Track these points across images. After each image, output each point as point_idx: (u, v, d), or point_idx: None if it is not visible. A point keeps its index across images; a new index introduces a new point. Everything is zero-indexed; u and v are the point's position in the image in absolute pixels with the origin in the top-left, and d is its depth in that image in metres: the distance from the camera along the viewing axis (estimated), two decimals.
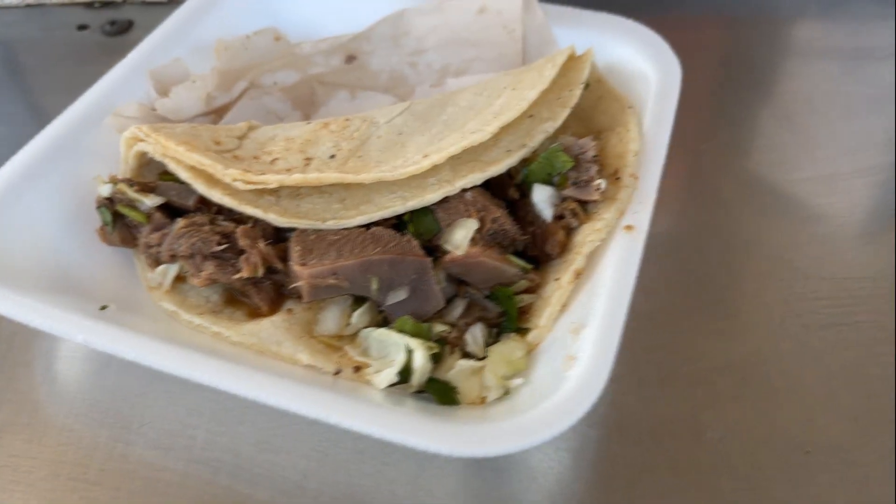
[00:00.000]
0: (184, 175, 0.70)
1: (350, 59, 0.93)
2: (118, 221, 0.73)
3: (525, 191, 0.73)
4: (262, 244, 0.68)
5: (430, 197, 0.68)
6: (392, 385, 0.63)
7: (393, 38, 0.93)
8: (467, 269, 0.67)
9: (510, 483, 0.64)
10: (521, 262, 0.69)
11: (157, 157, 0.71)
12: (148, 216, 0.72)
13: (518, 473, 0.64)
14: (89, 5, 1.21)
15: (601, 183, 0.70)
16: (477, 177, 0.69)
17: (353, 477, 0.64)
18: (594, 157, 0.71)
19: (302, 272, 0.65)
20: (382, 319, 0.69)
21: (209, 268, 0.68)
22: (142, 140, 0.72)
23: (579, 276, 0.67)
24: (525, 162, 0.73)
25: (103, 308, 0.67)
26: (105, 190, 0.72)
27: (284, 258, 0.68)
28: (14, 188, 0.73)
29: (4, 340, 0.75)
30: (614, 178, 0.72)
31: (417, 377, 0.63)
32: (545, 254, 0.71)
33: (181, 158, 0.70)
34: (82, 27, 1.17)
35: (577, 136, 0.76)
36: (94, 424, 0.69)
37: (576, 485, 0.64)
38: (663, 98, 0.79)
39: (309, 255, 0.66)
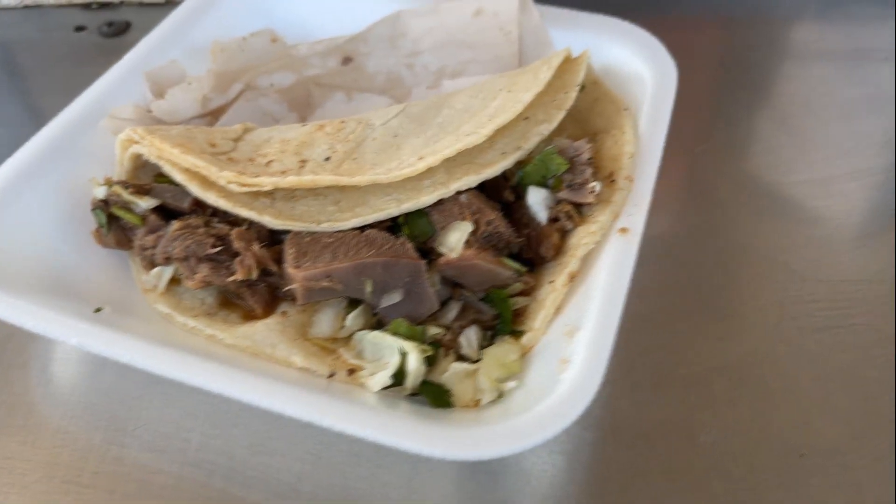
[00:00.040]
0: (178, 177, 0.70)
1: (346, 60, 0.93)
2: (113, 223, 0.73)
3: (520, 193, 0.73)
4: (256, 246, 0.68)
5: (425, 199, 0.68)
6: (386, 388, 0.63)
7: (389, 39, 0.93)
8: (461, 271, 0.67)
9: (504, 486, 0.64)
10: (516, 265, 0.69)
11: (152, 160, 0.71)
12: (143, 218, 0.72)
13: (512, 476, 0.64)
14: (87, 6, 1.21)
15: (596, 185, 0.70)
16: (472, 179, 0.69)
17: (347, 480, 0.64)
18: (589, 159, 0.71)
19: (296, 275, 0.65)
20: (377, 322, 0.69)
21: (203, 270, 0.68)
22: (137, 142, 0.72)
23: (574, 278, 0.67)
24: (520, 164, 0.73)
25: (98, 310, 0.67)
26: (100, 192, 0.72)
27: (279, 260, 0.68)
28: (10, 190, 0.73)
29: (0, 342, 0.75)
30: (609, 180, 0.72)
31: (411, 380, 0.63)
32: (540, 256, 0.71)
33: (176, 161, 0.70)
34: (80, 28, 1.17)
35: (573, 138, 0.76)
36: (88, 427, 0.69)
37: (570, 488, 0.64)
38: (659, 100, 0.79)
39: (303, 258, 0.66)
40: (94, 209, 0.73)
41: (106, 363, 0.72)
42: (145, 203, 0.72)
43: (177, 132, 0.74)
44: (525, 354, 0.65)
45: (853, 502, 0.63)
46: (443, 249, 0.67)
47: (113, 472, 0.65)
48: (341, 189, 0.70)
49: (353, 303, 0.69)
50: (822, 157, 0.92)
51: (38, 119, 0.80)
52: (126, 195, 0.72)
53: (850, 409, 0.68)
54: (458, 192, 0.69)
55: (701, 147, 0.95)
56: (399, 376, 0.63)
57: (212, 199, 0.68)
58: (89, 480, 0.64)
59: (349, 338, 0.68)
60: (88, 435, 0.68)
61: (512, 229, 0.70)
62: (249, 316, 0.70)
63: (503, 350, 0.65)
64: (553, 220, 0.71)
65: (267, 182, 0.68)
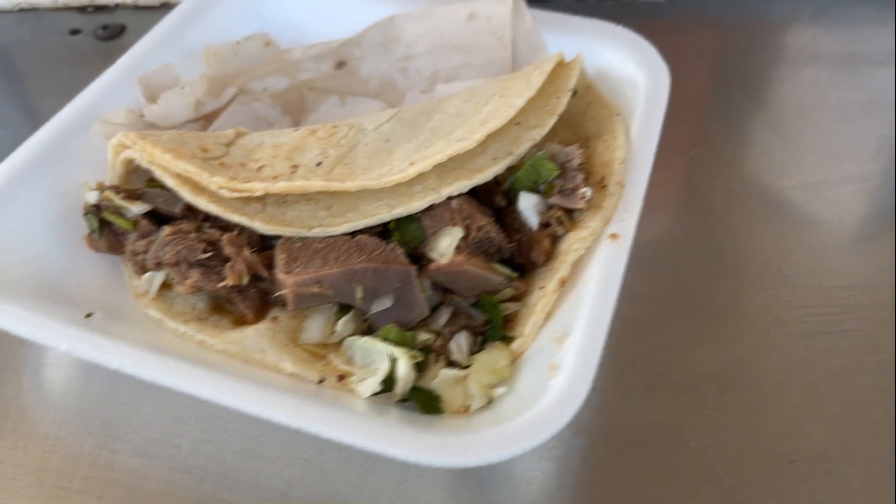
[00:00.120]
0: (170, 182, 0.70)
1: (340, 64, 0.93)
2: (105, 228, 0.73)
3: (512, 198, 0.73)
4: (247, 252, 0.68)
5: (416, 205, 0.68)
6: (376, 394, 0.63)
7: (383, 43, 0.93)
8: (452, 277, 0.67)
9: (494, 492, 0.64)
10: (507, 271, 0.69)
11: (144, 165, 0.71)
12: (134, 223, 0.72)
13: (502, 482, 0.64)
14: (82, 10, 1.21)
15: (586, 191, 0.70)
16: (463, 184, 0.69)
17: (337, 486, 0.64)
18: (580, 165, 0.71)
19: (286, 280, 0.65)
20: (367, 327, 0.69)
21: (194, 275, 0.68)
22: (128, 147, 0.72)
23: (564, 284, 0.67)
24: (512, 169, 0.73)
25: (88, 315, 0.67)
26: (92, 197, 0.72)
27: (270, 266, 0.68)
28: (2, 194, 0.73)
29: None
30: (600, 186, 0.72)
31: (401, 386, 0.63)
32: (531, 262, 0.71)
33: (167, 166, 0.70)
34: (75, 31, 1.17)
35: (566, 143, 0.76)
36: (79, 432, 0.69)
37: (559, 494, 0.64)
38: (651, 105, 0.79)
39: (294, 263, 0.66)
40: (85, 214, 0.73)
41: (97, 368, 0.71)
42: (137, 208, 0.72)
43: (168, 137, 0.74)
44: (515, 360, 0.65)
45: None
46: (433, 255, 0.67)
47: (103, 477, 0.65)
48: (333, 194, 0.70)
49: (344, 308, 0.69)
50: (815, 162, 0.92)
51: (35, 121, 0.80)
52: (118, 200, 0.72)
53: (841, 416, 0.67)
54: (450, 198, 0.69)
55: (694, 151, 0.95)
56: (389, 382, 0.63)
57: (203, 204, 0.68)
58: (80, 486, 0.65)
59: (339, 343, 0.68)
60: (79, 440, 0.68)
61: (503, 235, 0.70)
62: (240, 321, 0.70)
63: (493, 356, 0.65)
64: (544, 225, 0.71)
65: (258, 187, 0.68)
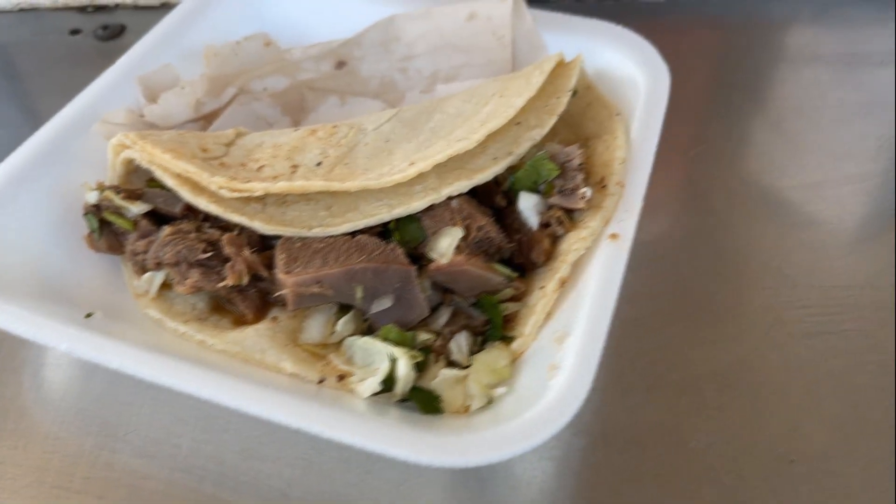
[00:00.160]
0: (170, 182, 0.70)
1: (340, 64, 0.93)
2: (105, 228, 0.73)
3: (512, 198, 0.73)
4: (247, 252, 0.68)
5: (416, 205, 0.68)
6: (376, 394, 0.63)
7: (383, 43, 0.93)
8: (452, 277, 0.67)
9: (494, 492, 0.64)
10: (507, 271, 0.69)
11: (144, 165, 0.71)
12: (134, 223, 0.72)
13: (502, 482, 0.64)
14: (82, 10, 1.21)
15: (586, 191, 0.70)
16: (463, 184, 0.69)
17: (336, 486, 0.64)
18: (580, 165, 0.71)
19: (286, 280, 0.65)
20: (367, 327, 0.69)
21: (194, 275, 0.68)
22: (128, 147, 0.72)
23: (564, 284, 0.67)
24: (512, 169, 0.73)
25: (88, 315, 0.67)
26: (92, 197, 0.72)
27: (270, 266, 0.68)
28: (2, 194, 0.73)
29: None
30: (600, 186, 0.72)
31: (401, 386, 0.63)
32: (531, 262, 0.71)
33: (167, 166, 0.70)
34: (75, 31, 1.17)
35: (567, 143, 0.76)
36: (79, 432, 0.69)
37: (559, 494, 0.64)
38: (651, 105, 0.79)
39: (294, 263, 0.66)
40: (85, 214, 0.73)
41: (97, 368, 0.71)
42: (137, 208, 0.72)
43: (168, 137, 0.74)
44: (515, 360, 0.65)
45: None
46: (433, 255, 0.67)
47: (103, 477, 0.65)
48: (333, 194, 0.70)
49: (344, 308, 0.69)
50: (815, 162, 0.92)
51: (35, 121, 0.80)
52: (117, 200, 0.72)
53: (841, 416, 0.67)
54: (450, 198, 0.69)
55: (694, 151, 0.95)
56: (389, 382, 0.63)
57: (203, 204, 0.68)
58: (80, 486, 0.64)
59: (339, 343, 0.68)
60: (79, 440, 0.68)
61: (503, 235, 0.70)
62: (240, 321, 0.70)
63: (493, 356, 0.65)
64: (544, 225, 0.71)
65: (258, 187, 0.68)
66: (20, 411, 0.70)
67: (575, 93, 0.80)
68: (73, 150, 0.78)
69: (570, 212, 0.71)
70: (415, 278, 0.66)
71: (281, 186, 0.68)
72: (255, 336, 0.66)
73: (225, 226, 0.70)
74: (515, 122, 0.74)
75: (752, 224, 0.86)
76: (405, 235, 0.69)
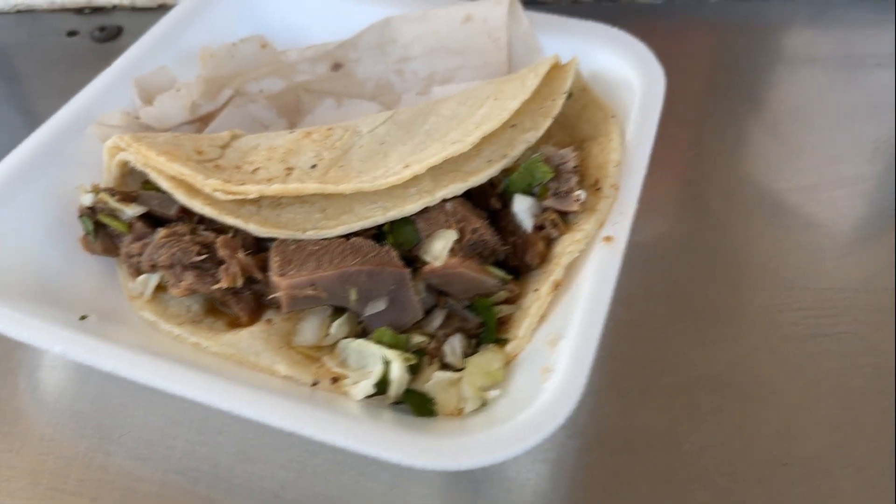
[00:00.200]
0: (165, 185, 0.70)
1: (336, 66, 0.93)
2: (100, 231, 0.73)
3: (507, 201, 0.73)
4: (241, 254, 0.68)
5: (410, 207, 0.68)
6: (370, 396, 0.63)
7: (379, 45, 0.93)
8: (446, 280, 0.67)
9: (487, 494, 0.64)
10: (501, 273, 0.69)
11: (139, 167, 0.71)
12: (129, 226, 0.72)
13: (495, 484, 0.64)
14: (79, 11, 1.21)
15: (581, 194, 0.70)
16: (458, 187, 0.69)
17: (330, 488, 0.64)
18: (574, 167, 0.71)
19: (280, 283, 0.65)
20: (362, 330, 0.69)
21: (189, 278, 0.68)
22: (123, 149, 0.72)
23: (558, 287, 0.67)
24: (507, 172, 0.73)
25: (83, 318, 0.67)
26: (87, 199, 0.72)
27: (265, 268, 0.68)
28: None
29: None
30: (595, 188, 0.72)
31: (394, 389, 0.63)
32: (525, 264, 0.71)
33: (162, 168, 0.70)
34: (72, 33, 1.18)
35: (562, 146, 0.76)
36: (74, 434, 0.69)
37: (553, 496, 0.64)
38: (646, 108, 0.79)
39: (288, 266, 0.66)
40: (80, 216, 0.73)
41: (92, 370, 0.71)
42: (132, 210, 0.72)
43: (163, 139, 0.74)
44: (509, 363, 0.65)
45: None
46: (427, 258, 0.67)
47: (97, 479, 0.65)
48: (327, 197, 0.70)
49: (338, 311, 0.69)
50: (810, 164, 0.92)
51: (32, 122, 0.80)
52: (112, 202, 0.72)
53: (835, 418, 0.67)
54: (444, 200, 0.69)
55: (690, 153, 0.95)
56: (382, 385, 0.63)
57: (198, 206, 0.68)
58: (74, 488, 0.65)
59: (334, 346, 0.68)
60: (74, 442, 0.68)
61: (497, 237, 0.70)
62: (235, 323, 0.71)
63: (487, 358, 0.65)
64: (539, 227, 0.71)
65: (252, 190, 0.68)
66: (15, 413, 0.71)
67: (570, 95, 0.80)
68: (69, 153, 0.78)
69: (564, 214, 0.71)
70: (409, 281, 0.66)
71: (275, 189, 0.68)
72: (249, 338, 0.67)
73: (220, 228, 0.70)
74: (510, 124, 0.74)
75: (747, 226, 0.86)
76: (399, 238, 0.69)
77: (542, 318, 0.66)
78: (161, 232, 0.70)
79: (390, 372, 0.63)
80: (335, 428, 0.56)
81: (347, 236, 0.68)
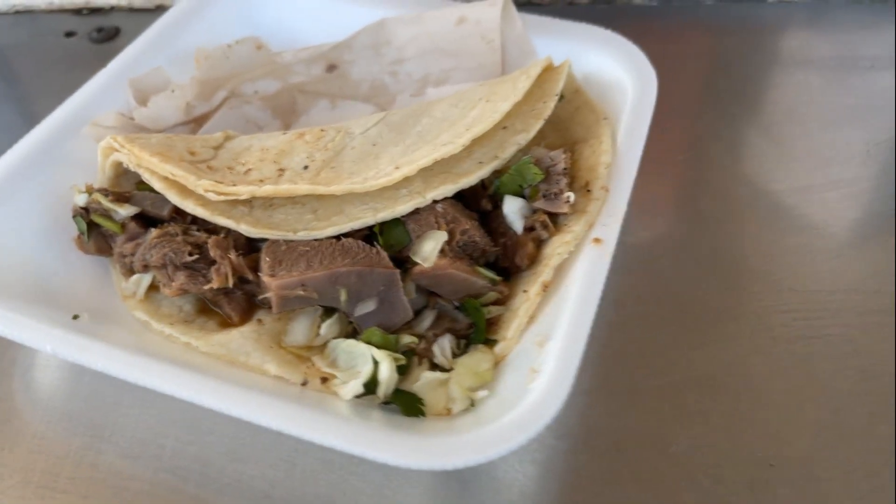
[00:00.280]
0: (157, 185, 0.70)
1: (331, 68, 0.93)
2: (94, 231, 0.74)
3: (497, 202, 0.73)
4: (233, 255, 0.68)
5: (401, 209, 0.68)
6: (359, 396, 0.63)
7: (374, 47, 0.93)
8: (436, 280, 0.68)
9: (475, 494, 0.64)
10: (490, 274, 0.69)
11: (132, 168, 0.72)
12: (122, 226, 0.72)
13: (483, 484, 0.65)
14: (77, 12, 1.22)
15: (570, 196, 0.70)
16: (448, 188, 0.70)
17: (319, 487, 0.65)
18: (564, 169, 0.72)
19: (271, 283, 0.65)
20: (352, 330, 0.69)
21: (180, 278, 0.68)
22: (117, 150, 0.73)
23: (547, 288, 0.67)
24: (498, 173, 0.74)
25: (76, 317, 0.68)
26: (80, 199, 0.73)
27: (256, 269, 0.69)
28: None
29: None
30: (585, 190, 0.72)
31: (383, 389, 0.63)
32: (515, 265, 0.71)
33: (155, 169, 0.70)
34: (70, 34, 1.18)
35: (554, 147, 0.77)
36: (66, 432, 0.69)
37: (541, 496, 0.64)
38: (638, 110, 0.80)
39: (278, 266, 0.66)
40: (74, 216, 0.73)
41: (85, 370, 0.72)
42: (125, 211, 0.72)
43: (156, 140, 0.74)
44: (498, 363, 0.66)
45: None
46: (417, 258, 0.67)
47: (88, 477, 0.66)
48: (319, 198, 0.71)
49: (329, 311, 0.69)
50: (804, 166, 0.92)
51: (30, 122, 0.81)
52: (106, 203, 0.72)
53: (822, 420, 0.68)
54: (435, 201, 0.69)
55: (684, 155, 0.96)
56: (371, 385, 0.63)
57: (190, 207, 0.69)
58: (64, 486, 0.65)
59: (324, 346, 0.68)
60: (66, 440, 0.68)
61: (488, 238, 0.71)
62: (227, 323, 0.71)
63: (476, 359, 0.66)
64: (529, 229, 0.71)
65: (244, 191, 0.68)
66: (8, 412, 0.71)
67: (562, 97, 0.80)
68: (63, 153, 0.79)
69: (554, 216, 0.71)
70: (398, 281, 0.66)
71: (267, 190, 0.68)
72: (239, 338, 0.67)
73: (212, 229, 0.71)
74: (502, 126, 0.75)
75: (740, 228, 0.86)
76: (390, 239, 0.69)
77: (531, 319, 0.66)
78: (153, 232, 0.70)
79: (379, 372, 0.63)
80: (324, 427, 0.57)
81: (338, 237, 0.68)
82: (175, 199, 0.69)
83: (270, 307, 0.68)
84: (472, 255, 0.70)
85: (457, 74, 0.92)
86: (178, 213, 0.72)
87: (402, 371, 0.65)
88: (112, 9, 1.22)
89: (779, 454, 0.65)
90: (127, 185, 0.78)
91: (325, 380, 0.65)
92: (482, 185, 0.74)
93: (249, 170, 0.73)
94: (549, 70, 0.82)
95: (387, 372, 0.63)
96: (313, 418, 0.58)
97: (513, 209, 0.72)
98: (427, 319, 0.69)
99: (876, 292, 0.78)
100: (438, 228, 0.68)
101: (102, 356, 0.61)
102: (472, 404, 0.62)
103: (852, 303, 0.76)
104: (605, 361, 0.73)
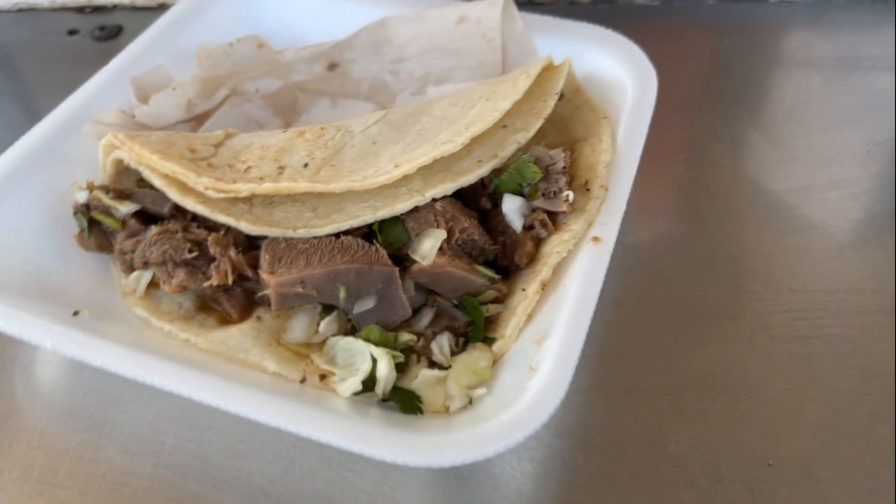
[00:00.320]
0: (157, 183, 0.70)
1: (332, 66, 0.94)
2: (94, 227, 0.74)
3: (497, 201, 0.74)
4: (232, 252, 0.68)
5: (400, 207, 0.68)
6: (357, 394, 0.63)
7: (374, 46, 0.93)
8: (434, 279, 0.68)
9: (473, 491, 0.64)
10: (489, 272, 0.70)
11: (133, 165, 0.72)
12: (123, 223, 0.73)
13: (481, 482, 0.65)
14: (80, 10, 1.22)
15: (569, 194, 0.70)
16: (448, 187, 0.70)
17: (317, 484, 0.65)
18: (563, 168, 0.72)
19: (270, 280, 0.65)
20: (351, 328, 0.69)
21: (180, 275, 0.69)
22: (117, 147, 0.73)
23: (545, 287, 0.67)
24: (498, 172, 0.74)
25: (76, 314, 0.68)
26: (81, 196, 0.73)
27: (256, 266, 0.69)
28: None
29: None
30: (585, 189, 0.73)
31: (382, 386, 0.63)
32: (514, 264, 0.71)
33: (155, 166, 0.71)
34: (73, 32, 1.19)
35: (555, 146, 0.77)
36: (66, 428, 0.69)
37: (538, 494, 0.64)
38: (638, 109, 0.80)
39: (278, 264, 0.66)
40: (75, 213, 0.74)
41: (86, 366, 0.72)
42: (125, 208, 0.73)
43: (157, 138, 0.74)
44: (496, 361, 0.66)
45: None
46: (416, 256, 0.68)
47: (87, 473, 0.66)
48: (318, 196, 0.71)
49: (328, 309, 0.69)
50: (803, 166, 0.92)
51: (33, 120, 0.81)
52: (106, 200, 0.72)
53: (820, 420, 0.68)
54: (434, 200, 0.69)
55: (685, 155, 0.95)
56: (369, 382, 0.63)
57: (190, 204, 0.69)
58: (63, 482, 0.65)
59: (323, 343, 0.68)
60: (66, 436, 0.69)
61: (487, 237, 0.71)
62: (226, 320, 0.71)
63: (474, 357, 0.66)
64: (528, 227, 0.71)
65: (243, 188, 0.68)
66: (9, 408, 0.71)
67: (562, 96, 0.80)
68: (65, 150, 0.79)
69: (553, 214, 0.71)
70: (397, 279, 0.66)
71: (266, 188, 0.68)
72: (239, 335, 0.67)
73: (212, 226, 0.71)
74: (501, 125, 0.75)
75: (740, 228, 0.86)
76: (389, 237, 0.69)
77: (530, 317, 0.67)
78: (154, 229, 0.71)
79: (378, 369, 0.63)
80: (322, 424, 0.57)
81: (338, 235, 0.68)
82: (175, 196, 0.70)
83: (270, 304, 0.68)
84: (471, 254, 0.70)
85: (457, 73, 0.92)
86: (179, 211, 0.72)
87: (401, 368, 0.65)
88: (115, 7, 1.22)
89: (778, 454, 0.65)
90: (128, 182, 0.78)
91: (323, 377, 0.65)
92: (482, 183, 0.74)
93: (249, 167, 0.73)
94: (549, 69, 0.82)
95: (385, 369, 0.63)
96: (312, 415, 0.58)
97: (512, 208, 0.72)
98: (426, 317, 0.69)
99: (876, 292, 0.78)
100: (437, 227, 0.68)
101: (102, 352, 0.61)
102: (470, 402, 0.63)
103: (852, 303, 0.76)
104: (604, 360, 0.73)
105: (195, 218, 0.72)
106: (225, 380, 0.59)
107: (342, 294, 0.66)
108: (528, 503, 0.64)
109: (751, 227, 0.86)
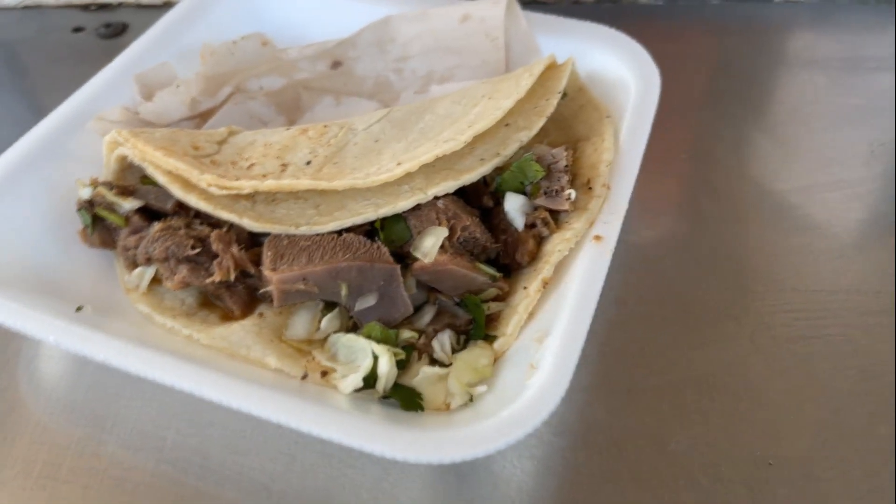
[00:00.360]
0: (161, 179, 0.71)
1: (336, 64, 0.94)
2: (98, 224, 0.74)
3: (499, 199, 0.74)
4: (235, 249, 0.69)
5: (402, 204, 0.69)
6: (358, 390, 0.63)
7: (378, 44, 0.93)
8: (436, 276, 0.68)
9: (473, 488, 0.64)
10: (491, 270, 0.70)
11: (136, 162, 0.72)
12: (126, 219, 0.73)
13: (481, 479, 0.65)
14: (85, 7, 1.23)
15: (571, 193, 0.70)
16: (450, 185, 0.70)
17: (318, 481, 0.65)
18: (566, 166, 0.72)
19: (272, 277, 0.66)
20: (352, 325, 0.69)
21: (183, 271, 0.69)
22: (121, 144, 0.73)
23: (547, 285, 0.68)
24: (500, 170, 0.74)
25: (79, 309, 0.68)
26: (85, 193, 0.74)
27: (258, 263, 0.69)
28: None
29: None
30: (587, 187, 0.73)
31: (383, 383, 0.64)
32: (516, 262, 0.71)
33: (158, 163, 0.71)
34: (78, 29, 1.19)
35: (558, 145, 0.77)
36: (68, 423, 0.70)
37: (539, 492, 0.64)
38: (641, 108, 0.80)
39: (280, 261, 0.67)
40: (79, 209, 0.74)
41: (89, 361, 0.73)
42: (129, 204, 0.73)
43: (161, 135, 0.75)
44: (497, 359, 0.66)
45: None
46: (417, 254, 0.68)
47: (89, 468, 0.66)
48: (321, 193, 0.71)
49: (330, 305, 0.70)
50: (807, 166, 0.92)
51: (39, 117, 0.81)
52: (110, 196, 0.73)
53: (821, 420, 0.68)
54: (437, 198, 0.70)
55: (688, 154, 0.95)
56: (371, 379, 0.64)
57: (193, 201, 0.69)
58: (65, 476, 0.65)
59: (324, 340, 0.68)
60: (68, 431, 0.69)
61: (488, 235, 0.71)
62: (228, 317, 0.71)
63: (475, 354, 0.66)
64: (530, 226, 0.71)
65: (246, 185, 0.69)
66: (11, 403, 0.71)
67: (565, 95, 0.80)
68: (69, 147, 0.80)
69: (555, 213, 0.72)
70: (398, 277, 0.66)
71: (269, 185, 0.69)
72: (241, 332, 0.67)
73: (215, 222, 0.71)
74: (504, 123, 0.75)
75: (743, 228, 0.86)
76: (391, 234, 0.69)
77: (531, 315, 0.67)
78: (157, 226, 0.71)
79: (379, 366, 0.64)
80: (323, 421, 0.57)
81: (340, 232, 0.68)
82: (178, 192, 0.70)
83: (272, 301, 0.68)
84: (473, 252, 0.70)
85: (461, 72, 0.92)
86: (182, 207, 0.73)
87: (402, 366, 0.66)
88: (120, 5, 1.23)
89: (778, 454, 0.65)
90: (131, 178, 0.78)
91: (324, 374, 0.65)
92: (484, 181, 0.74)
93: (253, 165, 0.74)
94: (552, 68, 0.82)
95: (386, 366, 0.63)
96: (313, 411, 0.58)
97: (514, 206, 0.72)
98: (427, 315, 0.69)
99: (877, 293, 0.78)
100: (439, 224, 0.69)
101: (105, 348, 0.61)
102: (471, 399, 0.63)
103: (853, 303, 0.76)
104: (606, 359, 0.73)
105: (198, 215, 0.72)
106: (227, 376, 0.60)
107: (344, 291, 0.66)
108: (529, 501, 0.64)
109: (753, 227, 0.86)
